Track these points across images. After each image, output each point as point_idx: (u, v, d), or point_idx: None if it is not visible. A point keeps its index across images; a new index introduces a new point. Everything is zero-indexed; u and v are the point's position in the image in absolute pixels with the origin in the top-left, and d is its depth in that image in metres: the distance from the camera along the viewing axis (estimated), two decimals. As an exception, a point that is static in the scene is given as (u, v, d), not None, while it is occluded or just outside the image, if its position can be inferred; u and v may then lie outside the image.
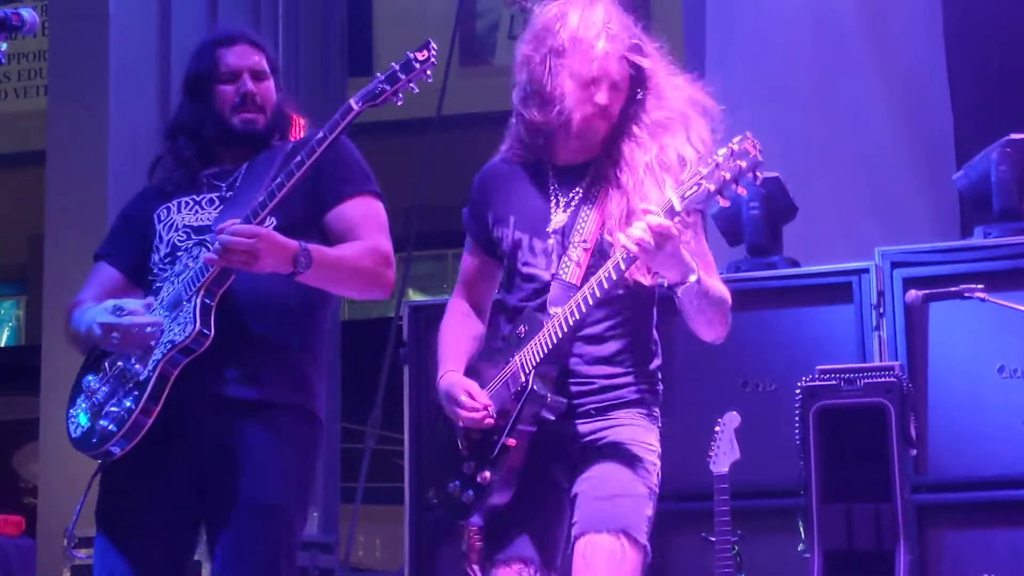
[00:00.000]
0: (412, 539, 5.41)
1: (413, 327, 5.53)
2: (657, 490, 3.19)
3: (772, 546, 4.86)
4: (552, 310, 3.13)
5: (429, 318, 5.56)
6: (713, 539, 4.49)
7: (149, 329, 3.18)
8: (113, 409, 3.22)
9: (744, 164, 2.95)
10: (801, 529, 4.63)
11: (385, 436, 6.97)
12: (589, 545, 3.09)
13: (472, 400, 3.14)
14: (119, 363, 3.25)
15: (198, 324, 3.14)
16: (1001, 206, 4.99)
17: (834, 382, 4.62)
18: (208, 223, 3.30)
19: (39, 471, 6.97)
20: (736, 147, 2.95)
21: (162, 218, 3.37)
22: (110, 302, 3.25)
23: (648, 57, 3.25)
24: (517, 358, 3.16)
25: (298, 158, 3.15)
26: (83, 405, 3.29)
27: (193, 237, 3.30)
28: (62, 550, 5.59)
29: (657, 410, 3.24)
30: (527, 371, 3.13)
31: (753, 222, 5.29)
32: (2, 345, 13.20)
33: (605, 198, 3.18)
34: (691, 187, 2.98)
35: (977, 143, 5.34)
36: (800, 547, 4.65)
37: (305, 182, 3.23)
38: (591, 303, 3.07)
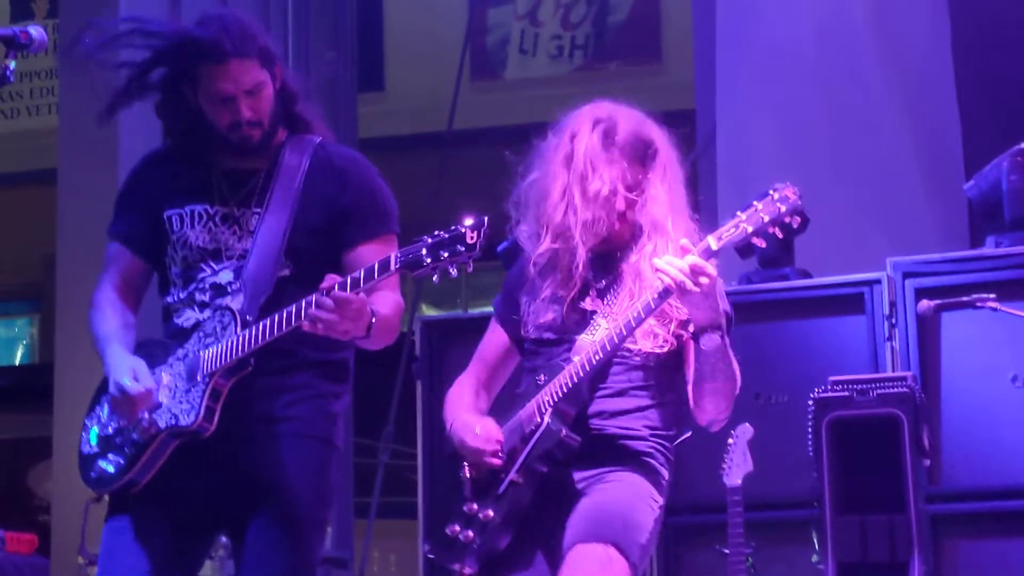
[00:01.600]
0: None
1: (426, 342, 5.54)
2: (656, 528, 3.20)
3: (786, 558, 4.85)
4: (575, 358, 3.19)
5: (442, 333, 5.57)
6: (727, 552, 4.48)
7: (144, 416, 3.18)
8: (114, 457, 3.23)
9: (783, 208, 3.04)
10: (815, 541, 4.62)
11: (399, 451, 6.98)
12: (578, 553, 3.10)
13: (487, 433, 3.18)
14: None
15: (201, 415, 3.13)
16: (1012, 215, 4.97)
17: (847, 393, 4.61)
18: (222, 246, 3.28)
19: (52, 489, 6.99)
20: (777, 193, 3.04)
21: (175, 227, 3.33)
22: (130, 362, 3.20)
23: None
24: (534, 401, 3.21)
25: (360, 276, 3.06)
26: (98, 425, 3.29)
27: (208, 262, 3.29)
28: (75, 568, 5.60)
29: (666, 474, 3.25)
30: (543, 410, 3.17)
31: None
32: (16, 363, 13.23)
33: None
34: (729, 229, 3.05)
35: (986, 153, 5.33)
36: (814, 559, 4.64)
37: (322, 219, 3.25)
38: (617, 341, 3.12)
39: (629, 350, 3.21)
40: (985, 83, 6.37)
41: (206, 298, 3.26)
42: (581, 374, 3.16)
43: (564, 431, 3.14)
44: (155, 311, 3.45)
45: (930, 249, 5.37)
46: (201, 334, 3.22)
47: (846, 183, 6.39)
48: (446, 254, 2.97)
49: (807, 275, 5.28)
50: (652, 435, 3.24)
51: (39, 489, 10.86)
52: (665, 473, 3.26)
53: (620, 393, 3.23)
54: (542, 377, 3.23)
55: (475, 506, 3.21)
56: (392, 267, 3.02)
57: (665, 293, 3.06)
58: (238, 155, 3.34)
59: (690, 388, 3.20)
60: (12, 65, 2.90)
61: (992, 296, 4.38)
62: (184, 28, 3.32)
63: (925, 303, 4.54)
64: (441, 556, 3.28)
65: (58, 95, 7.97)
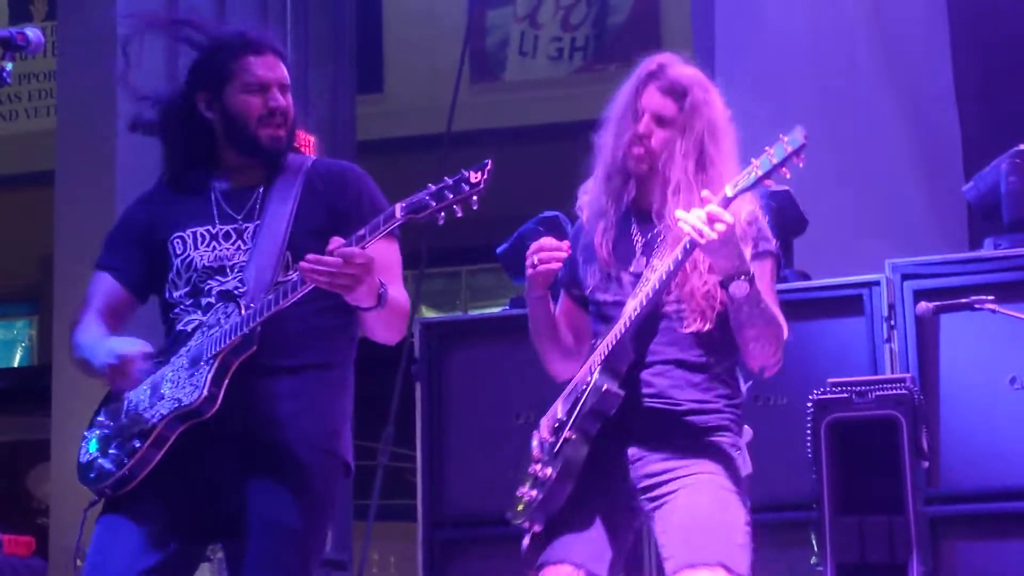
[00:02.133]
0: (425, 557, 5.40)
1: (425, 344, 5.54)
2: (749, 518, 3.34)
3: (785, 559, 4.85)
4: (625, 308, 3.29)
5: (441, 335, 5.57)
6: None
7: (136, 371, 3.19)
8: (113, 451, 3.22)
9: (791, 148, 3.12)
10: (814, 542, 4.62)
11: (398, 453, 6.97)
12: None
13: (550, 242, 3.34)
14: (132, 400, 3.26)
15: (205, 392, 3.13)
16: (1011, 217, 4.98)
17: (846, 395, 4.61)
18: (227, 262, 3.28)
19: (51, 492, 6.99)
20: (787, 136, 3.12)
21: (177, 250, 3.33)
22: (114, 346, 3.22)
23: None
24: (588, 363, 3.33)
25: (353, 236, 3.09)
26: (96, 432, 3.29)
27: (213, 278, 3.30)
28: (72, 570, 5.59)
29: (741, 440, 3.39)
30: (592, 369, 3.29)
31: (763, 236, 5.29)
32: (15, 365, 13.23)
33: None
34: (743, 175, 3.15)
35: (984, 155, 5.34)
36: (813, 560, 4.64)
37: (323, 220, 3.25)
38: (650, 296, 3.22)
39: (679, 321, 3.30)
40: (984, 84, 6.38)
41: (212, 300, 3.26)
42: (623, 330, 3.26)
43: (606, 385, 3.24)
44: (155, 315, 3.46)
45: (929, 251, 5.38)
46: (204, 328, 3.23)
47: (845, 185, 6.39)
48: (451, 195, 3.01)
49: (806, 277, 5.28)
50: (725, 406, 3.37)
51: (38, 491, 10.86)
52: (740, 439, 3.40)
53: (692, 367, 3.32)
54: (598, 341, 3.35)
55: (539, 466, 3.34)
56: (398, 215, 3.03)
57: (691, 244, 3.15)
58: (242, 167, 3.35)
59: (736, 337, 3.31)
60: (8, 67, 2.91)
61: (991, 298, 4.39)
62: (226, 33, 3.42)
63: (924, 305, 4.54)
64: (515, 516, 3.41)
65: (56, 97, 7.97)
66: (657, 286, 3.22)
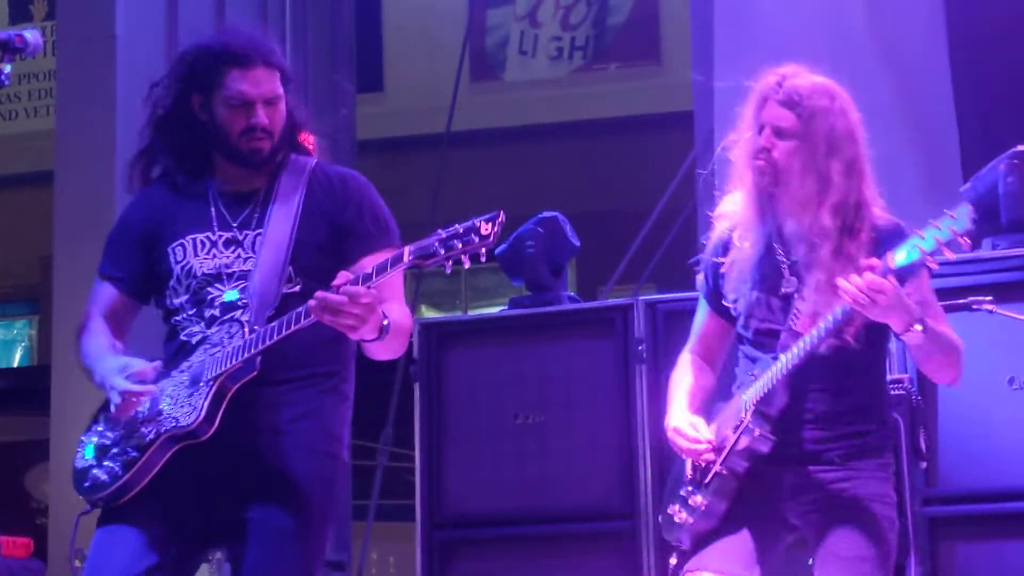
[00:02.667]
0: (424, 557, 5.41)
1: (424, 344, 5.54)
2: (894, 545, 3.45)
3: (784, 559, 4.84)
4: (781, 356, 3.37)
5: (440, 335, 5.57)
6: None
7: (140, 404, 3.19)
8: (109, 463, 3.22)
9: (956, 230, 3.20)
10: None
11: (397, 453, 6.98)
12: None
13: (696, 433, 3.42)
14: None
15: (202, 416, 3.14)
16: (1009, 217, 4.97)
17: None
18: (227, 270, 3.28)
19: (50, 492, 6.98)
20: (956, 215, 3.19)
21: (177, 257, 3.33)
22: (121, 361, 3.23)
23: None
24: (743, 397, 3.42)
25: (360, 276, 3.07)
26: (94, 439, 3.29)
27: (213, 285, 3.29)
28: (71, 572, 5.58)
29: (892, 457, 3.49)
30: (747, 408, 3.39)
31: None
32: (15, 365, 13.23)
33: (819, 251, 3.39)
34: (906, 247, 3.23)
35: (982, 155, 5.34)
36: (811, 561, 4.63)
37: (324, 234, 3.26)
38: (807, 350, 3.31)
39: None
40: (982, 84, 6.38)
41: (216, 312, 3.27)
42: (778, 378, 3.35)
43: (758, 431, 3.37)
44: (154, 324, 3.47)
45: (927, 251, 5.36)
46: (207, 346, 3.23)
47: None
48: (459, 245, 2.99)
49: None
50: (879, 427, 3.46)
51: (36, 492, 10.86)
52: (891, 456, 3.49)
53: (843, 391, 3.41)
54: (755, 373, 3.42)
55: (690, 489, 3.46)
56: (405, 259, 3.02)
57: (848, 313, 3.25)
58: (239, 172, 3.35)
59: (919, 367, 3.52)
60: (7, 69, 2.91)
61: (989, 298, 4.38)
62: (214, 36, 3.39)
63: (923, 305, 4.53)
64: (667, 531, 3.56)
65: (55, 97, 7.97)
66: (816, 341, 3.30)
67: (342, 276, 3.06)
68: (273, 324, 3.13)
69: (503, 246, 5.58)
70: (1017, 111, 6.20)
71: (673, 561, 3.55)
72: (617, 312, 5.33)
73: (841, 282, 3.22)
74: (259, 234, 3.30)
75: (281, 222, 3.30)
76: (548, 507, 5.27)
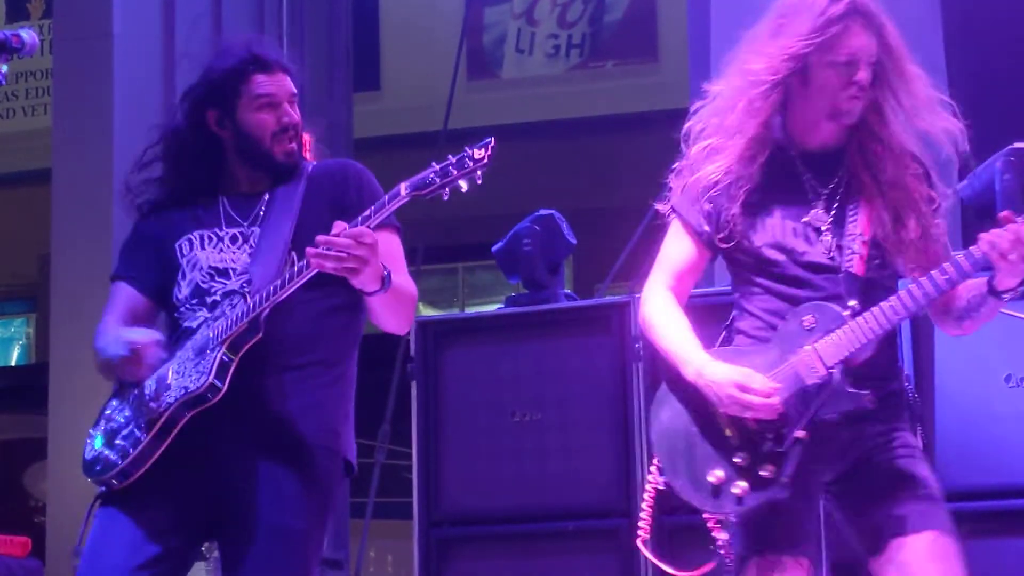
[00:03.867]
0: (421, 555, 5.41)
1: (421, 342, 5.54)
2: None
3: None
4: (852, 303, 3.08)
5: (438, 333, 5.57)
6: (722, 551, 4.47)
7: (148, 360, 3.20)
8: (120, 442, 3.24)
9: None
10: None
11: (394, 451, 6.98)
12: (941, 545, 3.16)
13: (763, 389, 3.05)
14: (137, 392, 3.27)
15: (211, 377, 3.14)
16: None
17: (841, 393, 4.61)
18: (232, 265, 3.31)
19: (48, 490, 6.99)
20: None
21: (184, 252, 3.36)
22: (124, 335, 3.25)
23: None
24: (812, 349, 3.08)
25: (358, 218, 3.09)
26: (102, 428, 3.31)
27: (217, 279, 3.31)
28: (70, 571, 5.59)
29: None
30: (829, 365, 3.07)
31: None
32: (13, 363, 13.24)
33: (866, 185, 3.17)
34: None
35: (977, 153, 5.34)
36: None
37: (326, 216, 3.25)
38: (917, 302, 3.06)
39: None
40: (977, 82, 6.38)
41: (217, 298, 3.28)
42: (873, 334, 3.05)
43: (868, 395, 3.06)
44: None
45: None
46: (209, 321, 3.25)
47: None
48: (455, 171, 3.02)
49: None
50: (904, 380, 3.30)
51: (35, 490, 10.86)
52: None
53: (888, 344, 3.18)
54: (810, 319, 3.10)
55: (745, 457, 3.09)
56: (403, 193, 3.05)
57: (984, 259, 3.07)
58: (249, 175, 3.40)
59: (944, 313, 3.23)
60: (4, 68, 2.93)
61: (986, 296, 4.38)
62: (227, 49, 3.45)
63: (918, 303, 4.54)
64: (706, 501, 3.20)
65: (52, 95, 7.97)
66: (913, 300, 3.04)
67: (338, 225, 3.08)
68: (276, 281, 3.15)
69: (500, 244, 5.58)
70: (1014, 107, 6.21)
71: (723, 537, 3.20)
72: (613, 310, 5.33)
73: (985, 236, 3.05)
74: (263, 229, 3.33)
75: (282, 215, 3.34)
76: (545, 505, 5.27)
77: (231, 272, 3.30)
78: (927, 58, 6.46)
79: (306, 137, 3.53)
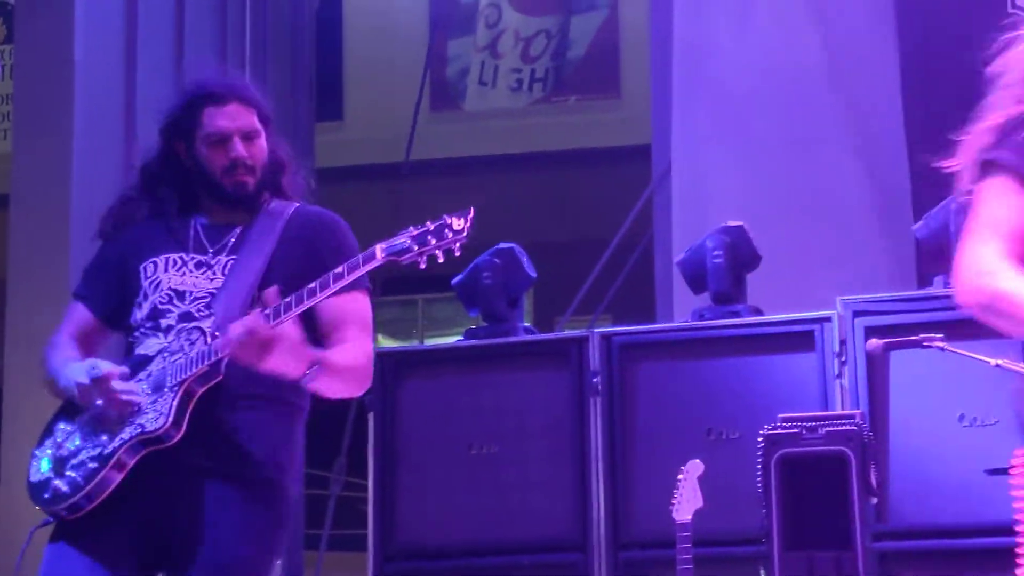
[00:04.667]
0: (375, 587, 5.39)
1: (379, 373, 5.53)
2: None
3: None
4: None
5: (396, 365, 5.56)
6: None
7: (131, 401, 3.18)
8: (71, 473, 3.21)
9: None
10: (763, 577, 4.64)
11: (351, 482, 6.95)
12: None
13: None
14: (91, 421, 3.24)
15: (170, 420, 3.13)
16: (961, 256, 5.02)
17: (796, 430, 4.63)
18: (192, 289, 3.29)
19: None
20: None
21: (148, 273, 3.34)
22: (88, 362, 3.23)
23: None
24: None
25: (312, 285, 3.10)
26: (49, 451, 3.28)
27: (174, 302, 3.29)
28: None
29: None
30: None
31: (717, 270, 5.33)
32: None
33: None
34: None
35: (933, 195, 5.40)
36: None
37: (301, 262, 3.25)
38: None
39: None
40: (933, 124, 6.45)
41: (172, 322, 3.27)
42: None
43: None
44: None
45: (880, 288, 5.42)
46: (166, 354, 3.23)
47: (799, 221, 6.45)
48: (433, 240, 3.00)
49: (759, 312, 5.32)
50: None
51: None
52: None
53: None
54: None
55: None
56: (378, 256, 3.03)
57: None
58: (223, 209, 3.38)
59: None
60: None
61: (940, 336, 4.42)
62: (190, 85, 3.45)
63: (874, 342, 4.57)
64: None
65: (12, 120, 7.93)
66: None
67: (271, 293, 3.08)
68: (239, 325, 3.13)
69: (460, 277, 5.59)
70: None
71: None
72: (572, 344, 5.35)
73: None
74: (232, 259, 3.32)
75: (256, 250, 3.32)
76: (501, 539, 5.27)
77: (189, 295, 3.28)
78: (885, 103, 6.58)
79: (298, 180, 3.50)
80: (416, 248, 3.01)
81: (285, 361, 3.08)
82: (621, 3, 11.31)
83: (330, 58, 11.11)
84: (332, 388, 3.26)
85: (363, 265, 3.05)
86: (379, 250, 3.04)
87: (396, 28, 11.34)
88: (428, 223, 3.02)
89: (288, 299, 3.09)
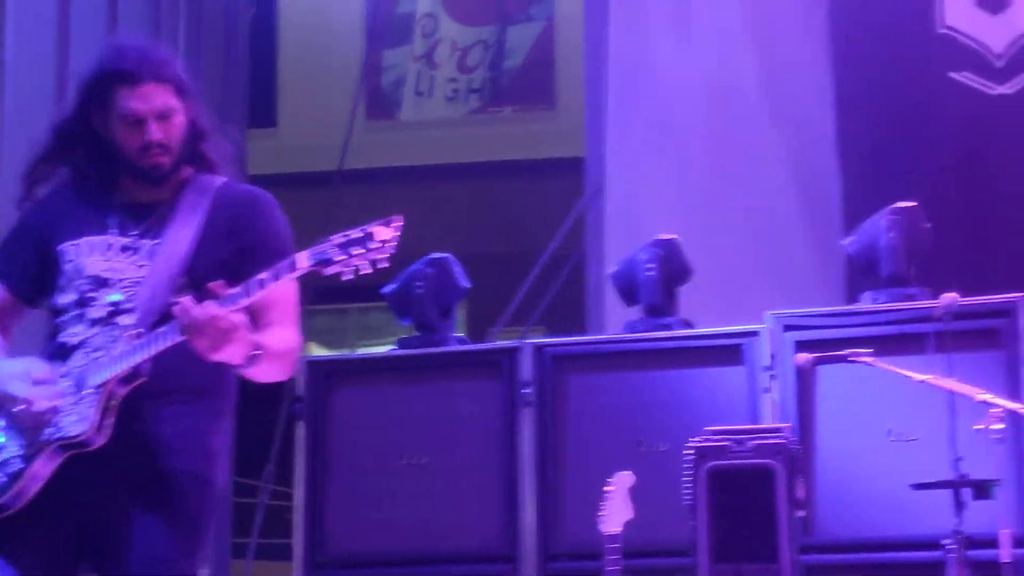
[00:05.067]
0: (303, 597, 5.36)
1: (311, 382, 5.51)
2: None
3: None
4: None
5: (327, 374, 5.54)
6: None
7: (47, 415, 3.14)
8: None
9: None
10: (690, 589, 4.65)
11: (279, 491, 6.90)
12: None
13: None
14: (10, 419, 3.20)
15: (91, 426, 3.09)
16: (889, 272, 5.08)
17: (725, 443, 4.66)
18: (118, 276, 3.23)
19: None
20: None
21: (69, 256, 3.28)
22: (22, 365, 3.18)
23: None
24: None
25: (238, 289, 3.04)
26: None
27: (101, 289, 3.25)
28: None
29: None
30: None
31: (649, 283, 5.35)
32: None
33: None
34: None
35: (864, 210, 5.46)
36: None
37: (225, 244, 3.21)
38: None
39: None
40: (866, 141, 6.52)
41: (101, 314, 3.22)
42: None
43: None
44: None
45: (810, 302, 5.47)
46: (88, 349, 3.18)
47: (732, 235, 6.50)
48: (359, 249, 2.94)
49: (690, 325, 5.34)
50: None
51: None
52: None
53: None
54: None
55: None
56: (304, 265, 2.98)
57: None
58: (142, 187, 3.31)
59: None
60: None
61: (869, 351, 4.47)
62: (104, 55, 3.34)
63: (803, 356, 4.62)
64: None
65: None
66: None
67: (218, 286, 3.03)
68: (161, 330, 3.10)
69: (392, 286, 5.57)
70: (899, 166, 6.35)
71: None
72: (503, 355, 5.35)
73: None
74: (157, 243, 3.26)
75: (181, 233, 3.26)
76: (430, 549, 5.25)
77: (115, 281, 3.23)
78: (818, 121, 6.64)
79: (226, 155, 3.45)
80: (340, 258, 2.96)
81: (234, 349, 3.06)
82: (558, 15, 11.34)
83: (265, 65, 11.04)
84: (267, 373, 3.22)
85: (286, 272, 3.02)
86: (304, 258, 3.00)
87: (332, 37, 11.29)
88: (352, 231, 2.97)
89: (236, 289, 3.05)
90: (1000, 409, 4.19)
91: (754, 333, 5.08)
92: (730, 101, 6.73)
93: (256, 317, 3.24)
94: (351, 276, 2.97)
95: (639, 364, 5.22)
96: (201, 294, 3.10)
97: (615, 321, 5.87)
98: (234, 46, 8.21)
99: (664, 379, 5.18)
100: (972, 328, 4.71)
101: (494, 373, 5.33)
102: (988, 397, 4.22)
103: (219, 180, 3.38)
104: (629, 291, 5.48)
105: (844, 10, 6.63)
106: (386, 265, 2.98)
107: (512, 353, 5.32)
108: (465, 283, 5.57)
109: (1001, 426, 4.18)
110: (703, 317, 5.43)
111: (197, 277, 3.20)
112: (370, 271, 2.97)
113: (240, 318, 3.04)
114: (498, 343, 5.64)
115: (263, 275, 3.04)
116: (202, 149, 3.37)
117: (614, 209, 6.74)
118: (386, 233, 2.95)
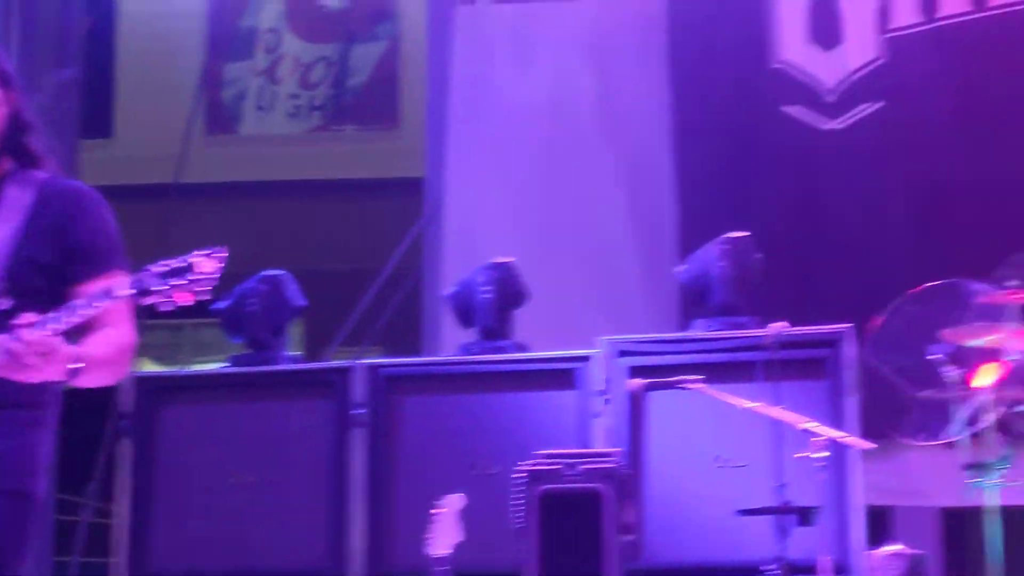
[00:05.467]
0: (124, 618, 5.24)
1: (138, 398, 5.39)
2: None
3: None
4: None
5: (156, 390, 5.44)
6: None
7: None
8: None
9: None
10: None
11: (102, 509, 6.75)
12: None
13: None
14: None
15: None
16: (720, 301, 5.16)
17: (557, 467, 4.67)
18: None
19: None
20: None
21: None
22: None
23: None
24: None
25: (58, 313, 2.95)
26: None
27: None
28: None
29: None
30: None
31: (485, 306, 5.36)
32: None
33: None
34: None
35: (698, 238, 5.54)
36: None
37: (47, 244, 3.11)
38: None
39: None
40: (701, 168, 6.63)
41: None
42: None
43: None
44: None
45: (643, 328, 5.53)
46: None
47: (567, 259, 6.55)
48: (179, 280, 2.88)
49: (524, 348, 5.36)
50: None
51: None
52: None
53: None
54: None
55: None
56: (116, 294, 2.91)
57: None
58: None
59: None
60: None
61: (699, 377, 4.53)
62: None
63: (634, 382, 4.66)
64: None
65: None
66: None
67: (25, 318, 2.94)
68: None
69: (223, 303, 5.49)
70: (733, 196, 6.47)
71: None
72: (336, 374, 5.30)
73: None
74: None
75: (3, 223, 3.16)
76: (257, 568, 5.18)
77: None
78: (656, 148, 6.74)
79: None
80: (159, 288, 2.88)
81: (52, 369, 2.97)
82: (403, 35, 11.33)
83: (101, 74, 10.83)
84: (95, 380, 3.13)
85: (103, 298, 2.93)
86: (122, 285, 2.93)
87: (172, 48, 11.12)
88: (174, 261, 2.88)
89: (50, 315, 2.96)
90: (823, 437, 4.28)
91: (587, 358, 5.11)
92: (568, 125, 6.79)
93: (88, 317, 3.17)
94: (170, 308, 2.91)
95: (473, 386, 5.22)
96: (13, 310, 3.02)
97: (453, 342, 5.87)
98: (68, 53, 8.03)
99: (498, 402, 5.19)
100: (799, 357, 4.81)
101: (327, 392, 5.28)
102: (811, 425, 4.31)
103: (43, 175, 3.28)
104: (465, 313, 5.48)
105: (683, 37, 6.74)
106: (207, 298, 2.91)
107: (345, 373, 5.28)
108: (300, 301, 5.51)
109: (825, 454, 4.27)
110: (538, 341, 5.45)
111: (17, 281, 3.11)
112: (190, 303, 2.91)
113: (55, 339, 2.95)
114: (331, 363, 5.60)
115: (77, 301, 2.96)
116: (25, 142, 3.27)
117: (452, 230, 6.75)
118: (208, 265, 2.88)
